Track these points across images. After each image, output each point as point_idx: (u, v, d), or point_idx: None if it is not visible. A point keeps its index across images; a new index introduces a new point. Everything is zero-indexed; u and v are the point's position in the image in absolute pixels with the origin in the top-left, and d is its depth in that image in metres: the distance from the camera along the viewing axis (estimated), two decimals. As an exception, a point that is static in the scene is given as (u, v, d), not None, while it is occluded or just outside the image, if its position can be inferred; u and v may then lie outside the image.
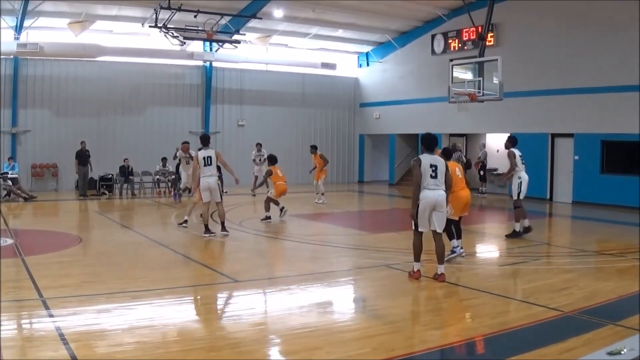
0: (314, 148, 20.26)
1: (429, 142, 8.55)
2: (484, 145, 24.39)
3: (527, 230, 12.75)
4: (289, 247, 12.25)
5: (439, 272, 8.64)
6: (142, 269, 9.57)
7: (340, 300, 8.33)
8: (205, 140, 13.08)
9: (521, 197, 12.63)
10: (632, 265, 10.22)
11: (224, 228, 12.71)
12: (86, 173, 21.20)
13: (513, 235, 12.73)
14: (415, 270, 8.62)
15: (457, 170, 10.27)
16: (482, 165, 23.60)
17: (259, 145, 22.99)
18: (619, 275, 9.54)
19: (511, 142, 12.90)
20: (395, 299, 7.88)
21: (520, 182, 12.60)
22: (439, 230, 8.54)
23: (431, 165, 8.29)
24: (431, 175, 8.26)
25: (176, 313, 7.18)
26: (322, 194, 19.28)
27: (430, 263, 9.09)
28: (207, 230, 12.61)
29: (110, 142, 23.90)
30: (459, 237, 10.30)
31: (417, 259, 8.61)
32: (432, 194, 8.27)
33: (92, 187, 22.02)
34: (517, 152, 12.75)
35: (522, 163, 12.71)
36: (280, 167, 15.78)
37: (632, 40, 18.06)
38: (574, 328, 6.52)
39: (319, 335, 6.23)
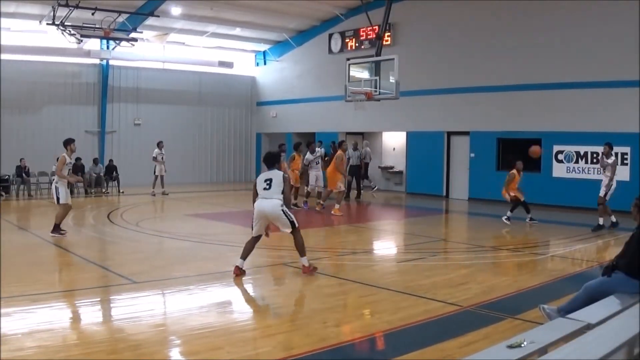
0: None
1: (266, 159, 9.36)
2: (367, 144, 24.63)
3: (614, 224, 13.58)
4: (187, 248, 11.88)
5: (301, 265, 8.93)
6: (41, 272, 9.20)
7: (240, 300, 8.24)
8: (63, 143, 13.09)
9: (607, 197, 13.33)
10: (529, 260, 10.58)
11: (55, 229, 12.56)
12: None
13: (598, 229, 13.36)
14: (241, 266, 8.91)
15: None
16: (365, 163, 23.66)
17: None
18: (516, 269, 9.79)
19: (611, 148, 13.77)
20: (293, 297, 8.02)
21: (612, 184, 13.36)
22: (286, 231, 8.92)
23: (265, 180, 8.97)
24: (264, 188, 8.93)
25: (76, 316, 7.08)
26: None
27: (331, 260, 8.96)
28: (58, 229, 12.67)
29: (6, 142, 22.43)
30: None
31: (243, 257, 8.94)
32: (264, 203, 8.87)
33: (-12, 188, 20.76)
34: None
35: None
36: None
37: (526, 40, 18.78)
38: (473, 322, 6.54)
39: (219, 335, 6.15)
